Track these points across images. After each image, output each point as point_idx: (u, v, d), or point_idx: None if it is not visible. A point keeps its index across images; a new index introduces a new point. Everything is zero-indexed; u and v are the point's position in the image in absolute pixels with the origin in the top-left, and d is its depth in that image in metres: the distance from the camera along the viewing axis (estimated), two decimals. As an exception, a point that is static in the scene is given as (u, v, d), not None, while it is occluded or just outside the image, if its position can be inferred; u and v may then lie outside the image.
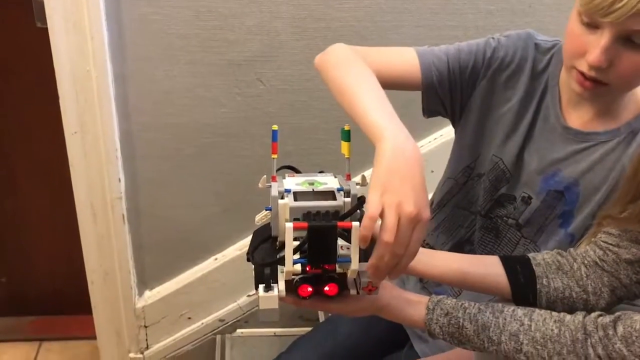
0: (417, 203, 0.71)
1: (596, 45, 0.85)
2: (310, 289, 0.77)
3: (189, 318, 1.73)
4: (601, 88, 0.90)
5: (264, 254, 0.81)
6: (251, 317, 1.73)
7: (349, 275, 0.76)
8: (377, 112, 0.81)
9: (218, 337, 1.74)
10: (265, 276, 0.77)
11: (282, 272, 0.76)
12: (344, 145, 0.83)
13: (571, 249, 0.91)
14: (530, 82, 1.04)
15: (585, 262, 0.88)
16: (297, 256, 0.74)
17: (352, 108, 0.85)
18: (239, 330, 1.75)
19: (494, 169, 1.07)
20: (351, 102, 0.86)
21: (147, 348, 1.75)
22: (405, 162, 0.74)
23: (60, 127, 1.48)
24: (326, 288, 0.77)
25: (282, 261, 0.74)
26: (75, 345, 1.91)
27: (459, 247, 1.13)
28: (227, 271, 1.67)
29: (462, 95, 1.08)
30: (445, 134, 1.57)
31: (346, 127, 0.83)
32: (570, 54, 0.92)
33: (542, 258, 0.90)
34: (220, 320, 1.73)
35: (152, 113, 1.51)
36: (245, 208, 1.57)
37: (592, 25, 0.86)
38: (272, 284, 0.76)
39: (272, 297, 0.75)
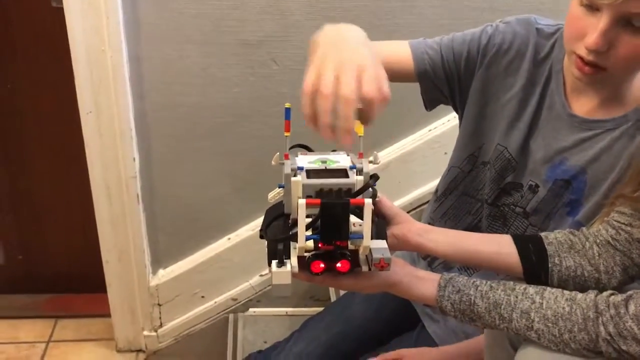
0: (358, 56, 0.72)
1: (595, 28, 0.84)
2: (322, 265, 0.78)
3: (202, 297, 1.75)
4: (600, 73, 0.88)
5: (277, 231, 0.82)
6: (263, 296, 1.74)
7: (360, 251, 0.76)
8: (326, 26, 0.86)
9: (230, 315, 1.76)
10: (278, 252, 0.77)
11: (295, 248, 0.77)
12: (357, 124, 0.84)
13: (583, 228, 0.91)
14: (533, 69, 1.02)
15: (598, 241, 0.88)
16: (309, 232, 0.75)
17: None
18: (251, 310, 1.76)
19: (500, 158, 1.06)
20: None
21: (160, 326, 1.78)
22: (338, 36, 0.79)
23: (75, 107, 1.49)
24: (338, 265, 0.78)
25: (294, 237, 0.75)
26: (90, 322, 1.94)
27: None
28: (240, 251, 1.69)
29: (460, 84, 1.08)
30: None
31: (359, 106, 0.83)
32: (570, 37, 0.90)
33: (554, 237, 0.90)
34: (233, 299, 1.75)
35: (166, 93, 1.52)
36: (258, 188, 1.55)
37: (592, 8, 0.85)
38: (284, 260, 0.77)
39: (285, 272, 0.76)
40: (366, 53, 0.75)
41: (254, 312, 1.77)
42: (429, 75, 1.06)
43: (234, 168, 1.62)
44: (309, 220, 0.74)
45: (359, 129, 0.84)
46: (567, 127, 0.99)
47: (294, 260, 0.77)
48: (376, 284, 0.83)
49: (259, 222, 1.64)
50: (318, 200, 0.73)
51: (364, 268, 0.79)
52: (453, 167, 1.15)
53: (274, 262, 0.77)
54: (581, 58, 0.88)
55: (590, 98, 0.98)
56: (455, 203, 1.15)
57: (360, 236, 0.74)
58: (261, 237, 0.84)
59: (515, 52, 1.03)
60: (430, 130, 1.58)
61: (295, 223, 0.77)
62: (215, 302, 1.75)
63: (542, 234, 0.91)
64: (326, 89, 0.71)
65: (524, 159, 1.04)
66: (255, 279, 1.73)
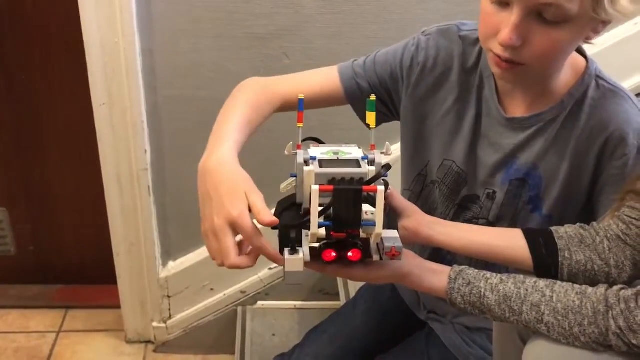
0: (226, 211, 0.78)
1: (507, 23, 0.83)
2: (334, 254, 0.78)
3: (212, 289, 1.75)
4: (518, 68, 0.87)
5: (289, 219, 0.82)
6: (272, 289, 1.75)
7: (372, 239, 0.77)
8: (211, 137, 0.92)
9: (239, 308, 1.77)
10: (290, 240, 0.78)
11: (307, 236, 0.78)
12: (369, 116, 0.84)
13: (594, 223, 0.91)
14: (464, 78, 1.01)
15: (608, 235, 0.88)
16: (321, 220, 0.76)
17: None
18: (259, 303, 1.77)
19: (449, 173, 1.04)
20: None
21: (170, 317, 1.79)
22: (204, 182, 0.83)
23: (89, 99, 1.50)
24: (349, 254, 0.78)
25: (307, 224, 0.76)
26: (100, 313, 1.95)
27: (437, 256, 1.06)
28: (250, 244, 1.69)
29: (391, 105, 1.07)
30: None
31: (372, 97, 0.84)
32: (484, 35, 0.89)
33: (564, 231, 0.90)
34: (242, 292, 1.76)
35: (179, 86, 1.53)
36: (268, 182, 1.55)
37: (503, 3, 0.84)
38: (297, 248, 0.78)
39: (297, 259, 0.77)
40: (234, 198, 0.80)
41: (263, 305, 1.78)
42: (360, 98, 1.04)
43: (244, 162, 1.59)
44: (322, 207, 0.75)
45: (371, 120, 0.84)
46: (507, 130, 0.98)
47: (306, 248, 0.78)
48: (387, 274, 0.83)
49: (269, 214, 1.67)
50: (331, 187, 0.73)
51: (375, 257, 0.79)
52: (405, 190, 1.13)
53: (286, 250, 0.77)
54: (498, 55, 0.86)
55: (522, 97, 0.97)
56: None
57: (372, 224, 0.74)
58: (273, 228, 0.85)
59: (441, 66, 1.02)
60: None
61: (307, 212, 0.78)
62: (225, 295, 1.76)
63: (553, 228, 0.91)
64: (219, 262, 0.80)
65: (473, 168, 1.02)
66: (264, 272, 1.74)
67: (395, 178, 1.17)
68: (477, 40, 0.99)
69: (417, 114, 1.05)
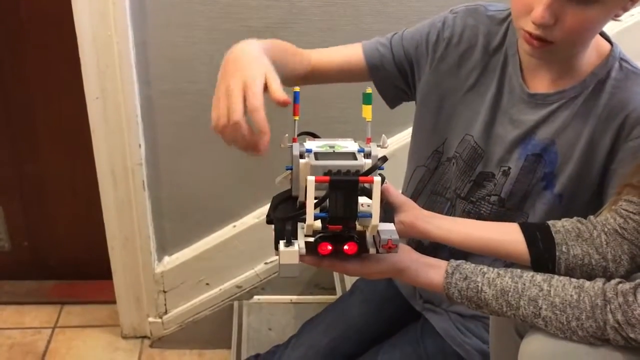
0: (242, 74, 0.77)
1: (540, 2, 0.84)
2: (330, 247, 0.77)
3: (207, 284, 1.75)
4: (549, 47, 0.89)
5: (284, 212, 0.82)
6: (268, 284, 1.75)
7: (369, 231, 0.76)
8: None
9: (235, 303, 1.77)
10: (286, 232, 0.77)
11: (303, 228, 0.77)
12: (366, 109, 0.83)
13: (591, 217, 0.91)
14: (487, 57, 1.04)
15: (606, 229, 0.88)
16: (317, 211, 0.75)
17: None
18: (255, 297, 1.77)
19: (467, 149, 1.06)
20: None
21: (165, 313, 1.78)
22: (235, 56, 0.82)
23: (82, 92, 1.49)
24: (345, 247, 0.77)
25: (302, 216, 0.75)
26: (95, 308, 1.94)
27: (437, 247, 1.07)
28: (245, 238, 1.69)
29: (414, 79, 1.09)
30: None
31: (368, 90, 0.83)
32: (517, 13, 0.91)
33: (561, 225, 0.90)
34: (238, 286, 1.75)
35: (173, 80, 1.52)
36: (263, 176, 1.55)
37: None
38: (292, 240, 0.77)
39: (292, 251, 0.76)
40: (253, 67, 0.80)
41: (259, 299, 1.77)
42: (382, 72, 1.08)
43: (240, 156, 1.57)
44: (317, 199, 0.74)
45: (367, 113, 0.83)
46: (529, 106, 1.00)
47: (301, 240, 0.77)
48: (383, 269, 0.83)
49: (264, 209, 1.67)
50: (327, 178, 0.73)
51: (372, 250, 0.79)
52: (418, 166, 1.14)
53: (282, 242, 0.77)
54: (529, 33, 0.88)
55: (545, 74, 0.99)
56: (426, 204, 1.13)
57: (368, 215, 0.74)
58: (268, 222, 0.84)
59: (466, 43, 1.04)
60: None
61: (303, 205, 0.77)
62: (220, 290, 1.75)
63: (550, 222, 0.91)
64: (222, 121, 0.77)
65: (491, 145, 1.04)
66: (260, 267, 1.73)
67: (397, 170, 1.17)
68: (503, 20, 1.03)
69: (439, 90, 1.07)
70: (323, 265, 0.80)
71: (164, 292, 1.75)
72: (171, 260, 1.73)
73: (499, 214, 1.05)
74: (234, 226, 1.69)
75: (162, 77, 1.51)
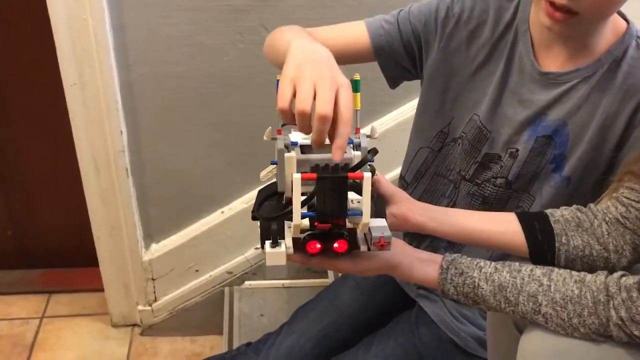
0: (332, 73, 0.69)
1: None
2: (318, 245, 0.74)
3: (197, 270, 1.71)
4: (572, 19, 0.84)
5: (270, 210, 0.78)
6: (259, 269, 1.72)
7: (359, 229, 0.73)
8: (288, 37, 0.83)
9: (226, 289, 1.74)
10: (272, 232, 0.73)
11: (290, 227, 0.73)
12: (354, 97, 0.79)
13: (591, 205, 0.87)
14: (497, 34, 0.99)
15: (607, 219, 0.84)
16: (304, 210, 0.71)
17: (275, 53, 0.87)
18: (246, 282, 1.74)
19: (472, 129, 1.02)
20: (275, 49, 0.88)
21: (155, 300, 1.75)
22: (314, 53, 0.73)
23: (58, 77, 1.43)
24: (335, 245, 0.74)
25: (289, 215, 0.71)
26: (84, 297, 1.91)
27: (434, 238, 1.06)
28: (234, 224, 1.65)
29: (421, 58, 1.04)
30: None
31: (355, 77, 0.78)
32: None
33: (560, 214, 0.86)
34: (228, 272, 1.72)
35: (153, 63, 1.46)
36: (250, 160, 1.54)
37: None
38: (278, 240, 0.73)
39: (279, 253, 0.72)
40: (341, 73, 0.72)
41: (250, 284, 1.74)
42: (387, 51, 1.03)
43: (226, 139, 1.57)
44: (305, 197, 0.70)
45: (356, 102, 0.79)
46: (541, 86, 0.95)
47: (288, 240, 0.74)
48: (375, 266, 0.79)
49: (253, 194, 1.63)
50: (314, 175, 0.69)
51: (363, 248, 0.75)
52: (422, 148, 1.10)
53: (268, 243, 0.73)
54: (551, 3, 0.83)
55: (559, 51, 0.94)
56: (429, 187, 1.11)
57: (359, 213, 0.70)
58: (253, 218, 0.81)
59: (475, 20, 1.00)
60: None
61: (289, 202, 0.73)
62: (210, 276, 1.72)
63: (548, 211, 0.87)
64: (301, 105, 0.67)
65: (499, 126, 1.00)
66: (250, 252, 1.70)
67: (386, 152, 1.13)
68: None
69: (447, 68, 1.03)
70: (312, 263, 0.77)
71: (153, 279, 1.72)
72: (159, 248, 1.69)
73: (505, 196, 1.01)
74: (222, 212, 1.65)
75: (141, 61, 1.45)
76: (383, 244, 0.72)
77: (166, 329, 1.78)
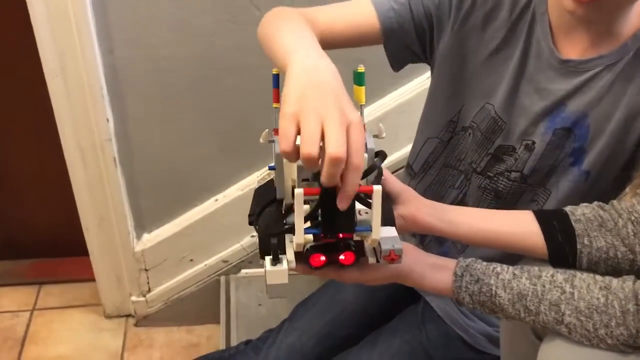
0: (341, 106, 0.59)
1: None
2: (323, 258, 0.68)
3: (191, 260, 1.66)
4: (597, 2, 0.77)
5: (269, 220, 0.72)
6: (255, 257, 1.66)
7: (368, 243, 0.67)
8: (289, 39, 0.73)
9: (222, 278, 1.68)
10: (272, 247, 0.67)
11: (291, 240, 0.67)
12: (358, 90, 0.72)
13: (614, 202, 0.81)
14: (513, 17, 0.91)
15: (632, 218, 0.78)
16: (307, 224, 0.65)
17: (272, 50, 0.77)
18: (243, 271, 1.68)
19: (486, 119, 0.95)
20: (272, 45, 0.77)
21: (149, 291, 1.70)
22: (319, 77, 0.63)
23: (38, 61, 1.34)
24: (341, 257, 0.68)
25: (290, 230, 0.65)
26: (75, 287, 1.85)
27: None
28: (229, 212, 1.59)
29: (432, 41, 0.97)
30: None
31: (360, 69, 0.71)
32: None
33: (581, 213, 0.80)
34: (224, 261, 1.66)
35: (138, 45, 1.38)
36: (244, 146, 1.47)
37: None
38: (279, 256, 0.67)
39: (281, 271, 0.67)
40: (352, 104, 0.62)
41: (247, 273, 1.69)
42: (397, 34, 0.95)
43: (217, 125, 1.49)
44: (307, 207, 0.64)
45: (361, 96, 0.72)
46: (560, 74, 0.88)
47: (290, 253, 0.68)
48: (385, 275, 0.74)
49: (247, 181, 1.56)
50: (317, 190, 0.62)
51: (371, 260, 0.69)
52: (430, 138, 1.04)
53: (268, 259, 0.67)
54: None
55: (581, 36, 0.87)
56: (437, 178, 1.05)
57: (367, 229, 0.64)
58: (250, 223, 0.75)
59: (493, 2, 0.92)
60: (428, 77, 1.46)
61: (289, 209, 0.67)
62: (206, 265, 1.66)
63: (568, 210, 0.81)
64: (307, 148, 0.57)
65: (514, 117, 0.93)
66: (246, 240, 1.64)
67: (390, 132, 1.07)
68: None
69: (460, 53, 0.96)
70: (316, 274, 0.71)
71: (146, 270, 1.66)
72: (151, 238, 1.63)
73: (519, 191, 0.95)
74: (216, 200, 1.59)
75: (125, 44, 1.37)
76: (394, 258, 0.67)
77: (161, 319, 1.74)
